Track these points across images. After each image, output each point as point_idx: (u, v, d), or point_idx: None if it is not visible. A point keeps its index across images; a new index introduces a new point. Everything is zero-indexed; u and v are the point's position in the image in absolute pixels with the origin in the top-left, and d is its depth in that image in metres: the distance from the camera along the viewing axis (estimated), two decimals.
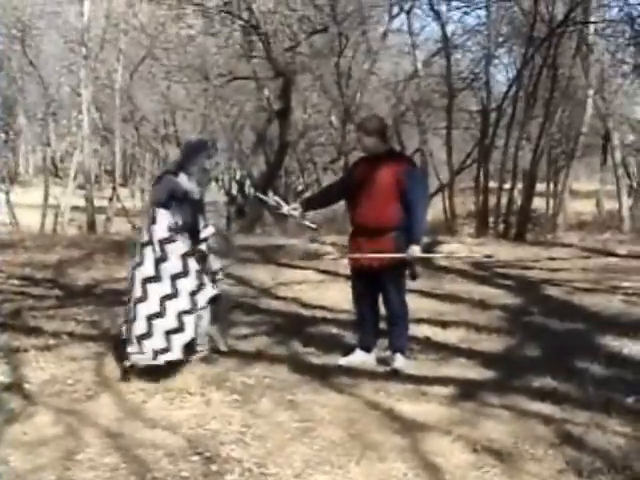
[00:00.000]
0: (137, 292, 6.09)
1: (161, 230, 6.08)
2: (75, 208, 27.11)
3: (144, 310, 6.03)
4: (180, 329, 6.05)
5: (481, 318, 8.48)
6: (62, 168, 33.66)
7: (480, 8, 22.37)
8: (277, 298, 9.65)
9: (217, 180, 29.59)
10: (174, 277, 6.06)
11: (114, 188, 27.86)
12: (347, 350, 6.83)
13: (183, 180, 6.31)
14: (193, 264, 6.16)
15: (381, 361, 6.66)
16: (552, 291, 10.18)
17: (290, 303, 9.23)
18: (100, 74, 25.71)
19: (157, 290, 6.03)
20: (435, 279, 10.80)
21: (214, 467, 4.66)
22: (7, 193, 27.01)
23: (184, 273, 6.09)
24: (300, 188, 27.51)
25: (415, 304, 8.71)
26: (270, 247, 13.62)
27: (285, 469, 4.64)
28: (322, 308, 8.82)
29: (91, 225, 23.97)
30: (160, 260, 6.04)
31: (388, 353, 6.65)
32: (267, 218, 24.22)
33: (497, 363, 6.75)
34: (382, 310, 6.69)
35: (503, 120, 21.35)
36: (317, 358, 6.86)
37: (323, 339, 7.52)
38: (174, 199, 6.20)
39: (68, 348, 7.19)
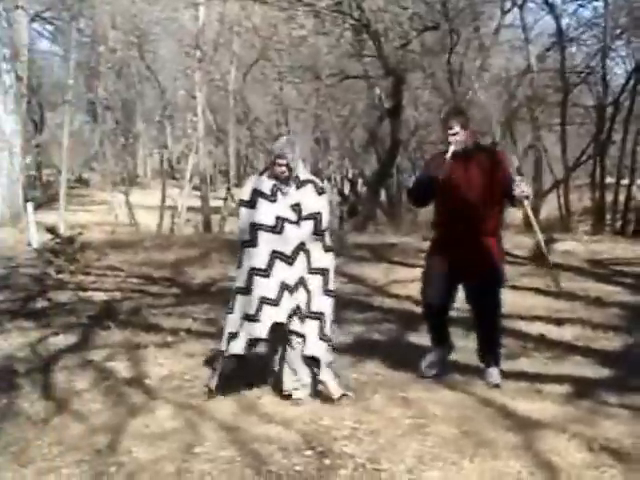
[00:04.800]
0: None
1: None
2: (191, 209, 27.66)
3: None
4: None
5: (598, 316, 8.31)
6: (178, 170, 34.30)
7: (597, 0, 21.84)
8: (390, 296, 9.67)
9: (329, 179, 29.79)
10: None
11: (228, 188, 28.28)
12: (459, 348, 6.73)
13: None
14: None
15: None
16: None
17: (403, 301, 9.22)
18: (214, 76, 26.15)
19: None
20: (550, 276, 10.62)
21: (327, 462, 4.71)
22: (127, 195, 27.77)
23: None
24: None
25: (530, 301, 8.66)
26: (383, 245, 13.63)
27: (398, 465, 4.65)
28: None
29: (206, 225, 24.41)
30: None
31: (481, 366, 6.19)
32: (380, 217, 24.23)
33: (614, 362, 6.61)
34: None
35: (620, 115, 20.79)
36: None
37: None
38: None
39: (185, 345, 7.40)
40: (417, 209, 17.13)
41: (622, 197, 20.89)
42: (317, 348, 5.65)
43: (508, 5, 22.21)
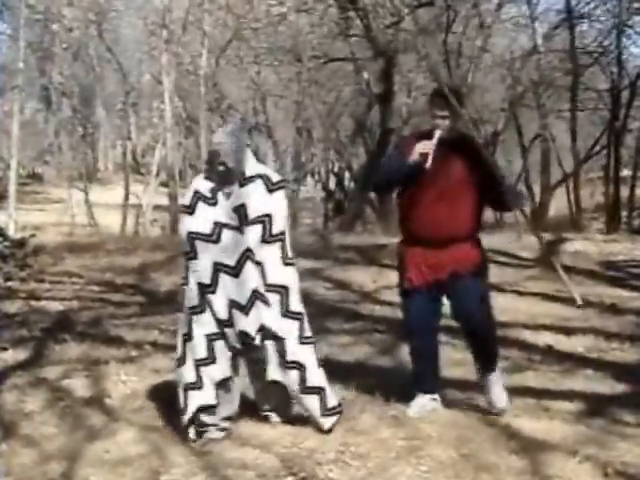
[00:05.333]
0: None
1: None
2: (158, 207, 27.62)
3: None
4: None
5: (612, 324, 8.34)
6: (144, 164, 34.32)
7: None
8: (380, 303, 9.67)
9: (313, 174, 29.86)
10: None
11: None
12: (458, 361, 6.75)
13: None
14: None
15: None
16: None
17: (394, 308, 9.15)
18: (183, 59, 26.12)
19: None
20: (559, 280, 10.63)
21: None
22: (86, 192, 27.71)
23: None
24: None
25: (536, 308, 8.68)
26: (372, 247, 13.63)
27: None
28: None
29: (175, 226, 24.39)
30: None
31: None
32: (369, 215, 24.25)
33: (631, 375, 6.62)
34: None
35: (637, 99, 20.89)
36: None
37: None
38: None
39: (151, 360, 7.38)
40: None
41: (639, 192, 20.99)
42: (278, 374, 5.45)
43: None
